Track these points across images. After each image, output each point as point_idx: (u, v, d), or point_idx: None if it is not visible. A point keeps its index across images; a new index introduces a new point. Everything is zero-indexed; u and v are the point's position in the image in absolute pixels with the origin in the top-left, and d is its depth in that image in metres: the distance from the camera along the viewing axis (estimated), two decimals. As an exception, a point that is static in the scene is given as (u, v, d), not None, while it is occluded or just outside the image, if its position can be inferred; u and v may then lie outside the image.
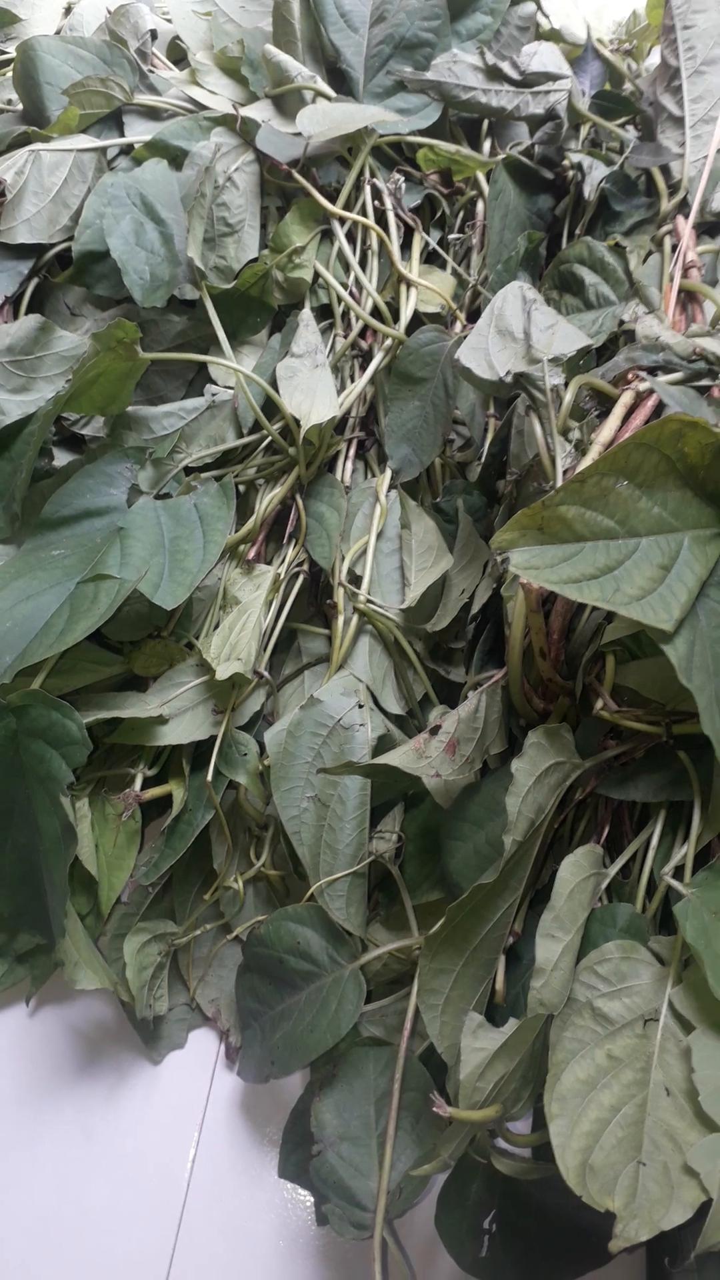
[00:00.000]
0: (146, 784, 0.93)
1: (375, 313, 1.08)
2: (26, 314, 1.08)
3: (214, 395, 1.06)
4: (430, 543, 0.98)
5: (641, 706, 0.76)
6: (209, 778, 0.91)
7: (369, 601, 0.96)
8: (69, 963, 0.87)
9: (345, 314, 1.09)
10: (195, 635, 0.98)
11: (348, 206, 1.10)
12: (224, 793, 0.93)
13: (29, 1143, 0.89)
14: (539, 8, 1.24)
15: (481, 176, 1.16)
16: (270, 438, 1.03)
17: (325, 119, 1.06)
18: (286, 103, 1.15)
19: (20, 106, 1.16)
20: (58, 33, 1.28)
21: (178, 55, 1.28)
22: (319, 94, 1.12)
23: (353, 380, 1.08)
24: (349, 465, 1.07)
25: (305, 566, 1.02)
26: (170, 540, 0.93)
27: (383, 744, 0.89)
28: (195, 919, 0.95)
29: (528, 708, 0.80)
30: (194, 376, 1.11)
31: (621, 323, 0.98)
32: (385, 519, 1.01)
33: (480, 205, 1.17)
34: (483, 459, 1.02)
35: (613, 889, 0.77)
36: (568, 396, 0.81)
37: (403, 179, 1.13)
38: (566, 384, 0.81)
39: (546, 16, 1.26)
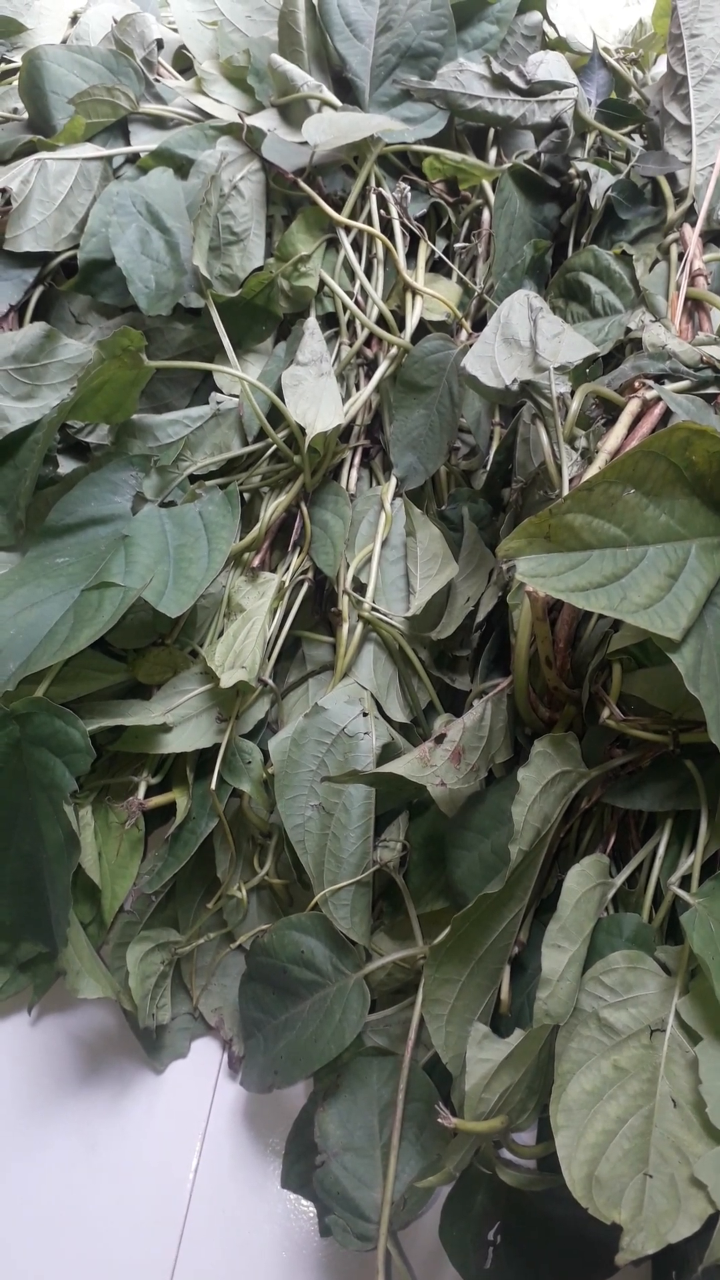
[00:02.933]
0: (150, 792, 0.93)
1: (381, 321, 1.08)
2: (32, 322, 1.08)
3: (219, 403, 1.06)
4: (435, 550, 0.98)
5: (648, 715, 0.76)
6: (213, 786, 0.91)
7: (374, 609, 0.96)
8: (71, 971, 0.87)
9: (351, 322, 1.09)
10: (199, 643, 0.98)
11: (353, 215, 1.10)
12: (228, 801, 0.93)
13: (31, 1152, 0.88)
14: (545, 17, 1.24)
15: (487, 185, 1.16)
16: (275, 446, 1.03)
17: (331, 128, 1.07)
18: (292, 112, 1.15)
19: (26, 115, 1.17)
20: (64, 42, 1.28)
21: (184, 64, 1.28)
22: (325, 103, 1.12)
23: (358, 388, 1.08)
24: (354, 473, 1.07)
25: (310, 574, 1.02)
26: (175, 548, 0.93)
27: (387, 752, 0.88)
28: (198, 927, 0.94)
29: (533, 716, 0.80)
30: (199, 385, 1.11)
31: (628, 331, 0.98)
32: (390, 527, 1.01)
33: (486, 214, 1.17)
34: (488, 467, 1.01)
35: (619, 899, 0.77)
36: (574, 405, 0.81)
37: (408, 188, 1.13)
38: (573, 392, 0.81)
39: (553, 25, 1.27)
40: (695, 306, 0.95)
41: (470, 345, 0.88)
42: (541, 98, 1.13)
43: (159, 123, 1.18)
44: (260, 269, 1.09)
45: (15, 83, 1.17)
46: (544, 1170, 0.71)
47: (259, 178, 1.11)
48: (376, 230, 1.09)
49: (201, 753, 0.94)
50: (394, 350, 1.06)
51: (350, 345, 1.08)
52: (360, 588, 0.98)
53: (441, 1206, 0.75)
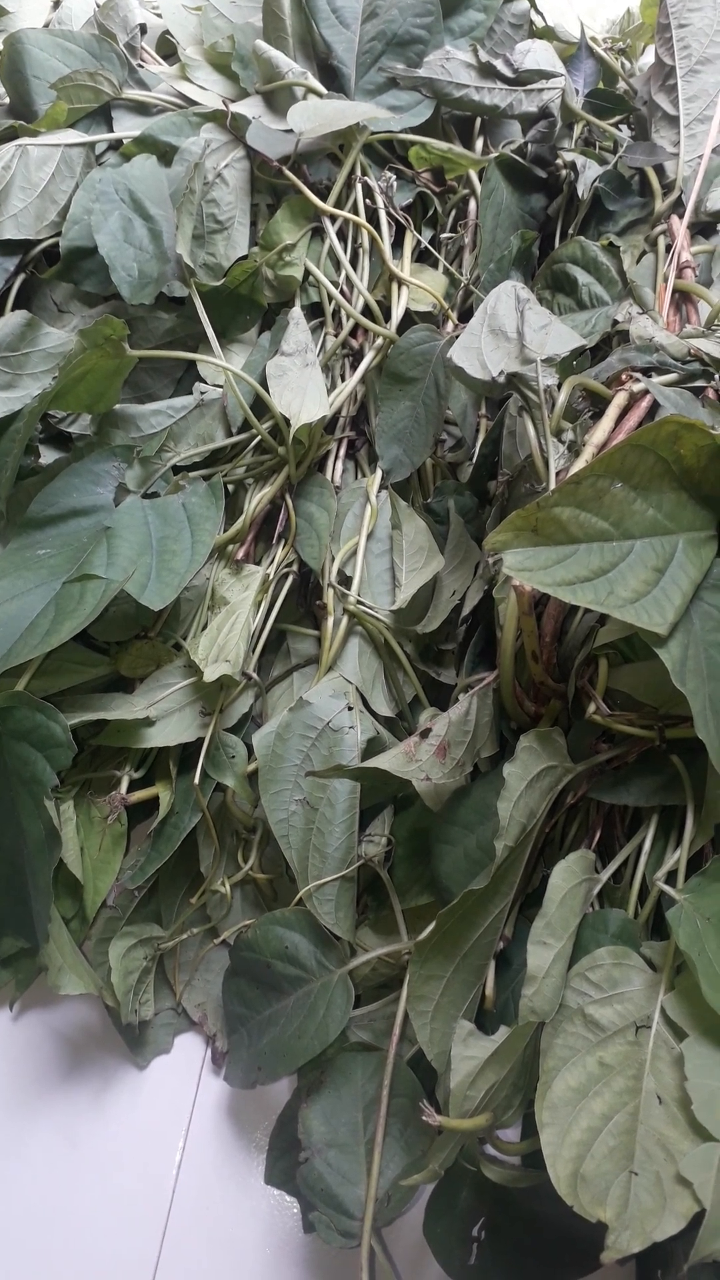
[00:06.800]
0: (133, 786, 0.92)
1: (366, 311, 1.07)
2: (13, 310, 1.07)
3: (203, 394, 1.05)
4: (421, 544, 0.97)
5: (634, 710, 0.75)
6: (196, 780, 0.90)
7: (359, 603, 0.95)
8: (53, 967, 0.87)
9: (336, 312, 1.08)
10: (183, 636, 0.97)
11: (339, 204, 1.09)
12: (211, 795, 0.92)
13: (12, 1148, 0.88)
14: (532, 5, 1.23)
15: (474, 175, 1.15)
16: (260, 437, 1.03)
17: (316, 115, 1.06)
18: (277, 99, 1.14)
19: (7, 100, 1.15)
20: (46, 26, 1.26)
21: (167, 50, 1.27)
22: (310, 90, 1.11)
23: (343, 379, 1.07)
24: (339, 465, 1.06)
25: (295, 567, 1.01)
26: (158, 540, 0.93)
27: (372, 747, 0.88)
28: (182, 923, 0.94)
29: (519, 711, 0.80)
30: (183, 375, 1.10)
31: (615, 323, 0.97)
32: (376, 519, 1.00)
33: (472, 204, 1.16)
34: (474, 460, 1.01)
35: (604, 894, 0.76)
36: (561, 397, 0.80)
37: (394, 177, 1.13)
38: (560, 384, 0.81)
39: (540, 14, 1.26)
40: (683, 299, 0.95)
41: (456, 336, 0.87)
42: (528, 87, 1.12)
43: (142, 109, 1.17)
44: (244, 258, 1.08)
45: (-4, 67, 1.16)
46: (529, 1167, 0.71)
47: (243, 165, 1.10)
48: (362, 219, 1.09)
49: (185, 747, 0.93)
50: (379, 341, 1.06)
51: (335, 336, 1.07)
52: (345, 581, 0.97)
53: (426, 1203, 0.74)
